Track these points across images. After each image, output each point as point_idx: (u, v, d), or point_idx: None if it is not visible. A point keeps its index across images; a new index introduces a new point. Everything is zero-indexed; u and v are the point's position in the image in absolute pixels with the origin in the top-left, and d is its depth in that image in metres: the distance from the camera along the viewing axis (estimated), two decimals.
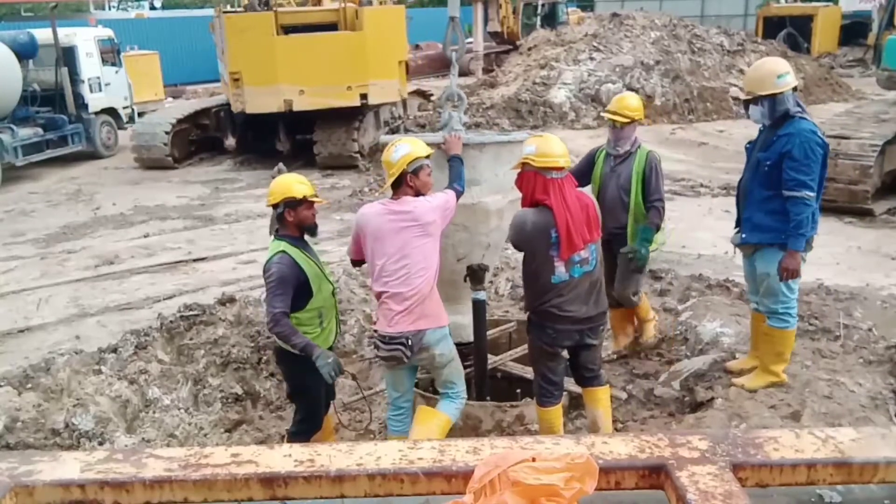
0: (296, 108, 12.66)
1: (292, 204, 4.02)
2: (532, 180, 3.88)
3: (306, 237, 4.20)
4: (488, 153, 4.23)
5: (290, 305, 3.94)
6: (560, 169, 3.86)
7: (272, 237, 4.16)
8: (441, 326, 4.01)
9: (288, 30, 12.93)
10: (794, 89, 4.29)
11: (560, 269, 3.89)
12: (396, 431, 4.25)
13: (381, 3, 14.17)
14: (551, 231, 3.82)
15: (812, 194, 4.17)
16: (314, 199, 4.13)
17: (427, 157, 3.99)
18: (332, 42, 12.68)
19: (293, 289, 3.95)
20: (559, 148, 3.92)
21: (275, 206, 4.06)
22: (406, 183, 3.94)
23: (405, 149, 3.94)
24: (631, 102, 5.19)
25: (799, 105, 4.29)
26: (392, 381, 4.27)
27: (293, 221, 4.06)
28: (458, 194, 4.09)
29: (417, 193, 3.97)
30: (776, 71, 4.26)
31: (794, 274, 4.29)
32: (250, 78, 12.64)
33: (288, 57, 12.51)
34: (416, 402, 4.58)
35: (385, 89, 13.25)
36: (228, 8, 14.85)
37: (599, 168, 5.29)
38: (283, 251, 4.00)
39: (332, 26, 12.99)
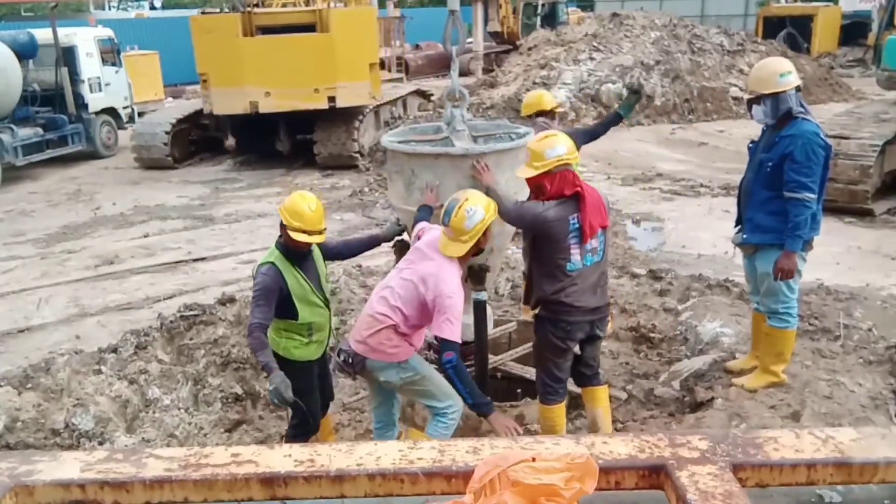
0: (261, 109, 12.63)
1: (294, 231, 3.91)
2: (569, 177, 3.93)
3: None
4: (490, 161, 4.23)
5: (269, 317, 3.89)
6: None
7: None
8: (384, 361, 3.87)
9: (265, 31, 12.87)
10: (798, 89, 4.29)
11: (576, 257, 3.91)
12: None
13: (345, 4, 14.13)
14: (570, 218, 3.87)
15: (812, 196, 4.17)
16: (317, 238, 4.00)
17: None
18: (299, 44, 12.59)
19: (276, 301, 3.91)
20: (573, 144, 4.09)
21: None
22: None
23: (480, 213, 3.73)
24: (546, 99, 6.02)
25: (802, 105, 4.28)
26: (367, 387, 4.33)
27: (283, 242, 3.99)
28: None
29: (478, 248, 3.84)
30: (779, 70, 4.27)
31: (789, 274, 4.29)
32: (217, 79, 12.62)
33: (254, 58, 12.46)
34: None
35: (355, 92, 13.07)
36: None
37: None
38: (273, 263, 3.95)
39: (310, 27, 12.92)
